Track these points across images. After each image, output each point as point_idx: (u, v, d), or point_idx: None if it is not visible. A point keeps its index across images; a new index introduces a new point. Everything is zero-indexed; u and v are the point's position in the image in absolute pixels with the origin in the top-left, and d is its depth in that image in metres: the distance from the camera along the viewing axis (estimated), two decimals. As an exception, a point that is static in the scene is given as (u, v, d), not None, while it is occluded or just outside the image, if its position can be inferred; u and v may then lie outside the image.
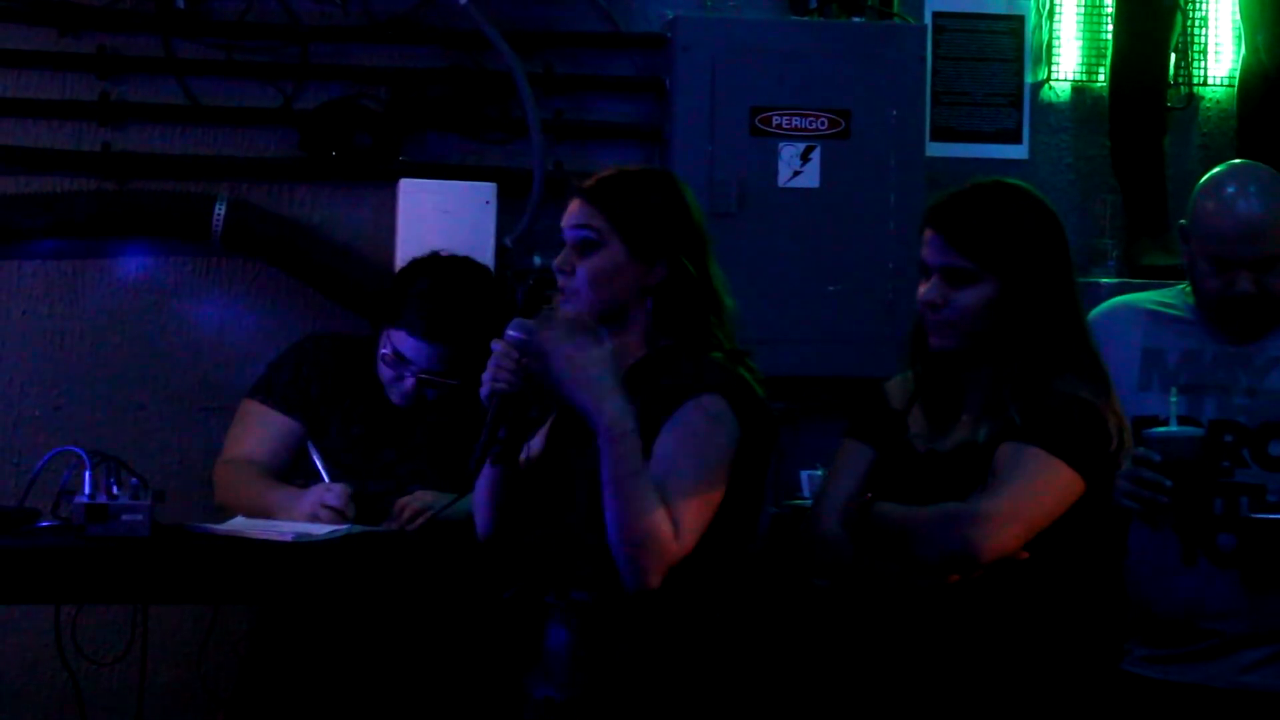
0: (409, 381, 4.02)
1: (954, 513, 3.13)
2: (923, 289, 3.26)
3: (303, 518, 3.87)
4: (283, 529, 3.75)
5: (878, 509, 3.21)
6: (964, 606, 3.17)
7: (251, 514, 3.93)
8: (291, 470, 4.10)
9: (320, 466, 4.00)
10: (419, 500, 3.90)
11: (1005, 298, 3.20)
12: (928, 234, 3.26)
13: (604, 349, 3.14)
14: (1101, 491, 3.24)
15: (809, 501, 4.30)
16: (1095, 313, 3.90)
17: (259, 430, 4.13)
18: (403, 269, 4.21)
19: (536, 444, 3.35)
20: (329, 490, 3.91)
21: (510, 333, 3.24)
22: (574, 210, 3.31)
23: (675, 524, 3.09)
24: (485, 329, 3.94)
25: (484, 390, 3.22)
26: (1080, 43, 5.36)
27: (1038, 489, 3.13)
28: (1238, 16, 5.32)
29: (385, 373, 4.07)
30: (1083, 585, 3.23)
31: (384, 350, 4.04)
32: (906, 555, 3.18)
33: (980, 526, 3.09)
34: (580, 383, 3.11)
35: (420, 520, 3.87)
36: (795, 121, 4.87)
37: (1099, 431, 3.19)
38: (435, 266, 4.16)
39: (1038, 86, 5.35)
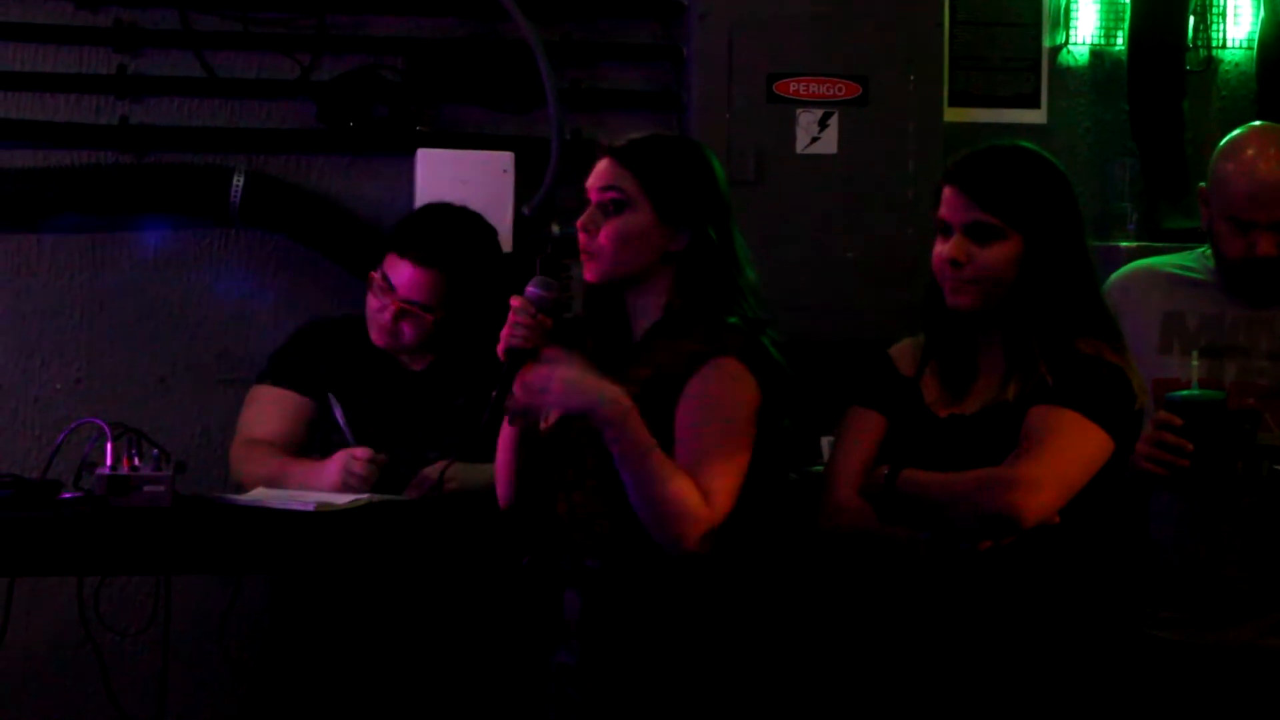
0: (389, 310, 4.04)
1: (995, 478, 3.12)
2: (941, 247, 3.26)
3: (331, 485, 3.87)
4: (304, 499, 3.75)
5: (906, 476, 3.20)
6: (992, 571, 3.17)
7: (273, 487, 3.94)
8: (307, 448, 4.11)
9: (344, 427, 3.99)
10: (437, 470, 3.90)
11: (1028, 256, 3.21)
12: (948, 191, 3.26)
13: (570, 359, 3.15)
14: (1127, 452, 3.26)
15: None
16: (1115, 277, 3.90)
17: (273, 410, 4.14)
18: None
19: (555, 413, 3.35)
20: (353, 457, 3.91)
21: (530, 289, 3.24)
22: (603, 170, 3.31)
23: (704, 490, 3.10)
24: (474, 268, 4.07)
25: (500, 347, 3.23)
26: (1098, 6, 5.33)
27: (1076, 453, 3.14)
28: (1257, -22, 5.31)
29: (371, 304, 4.09)
30: (1107, 548, 3.23)
31: (374, 273, 4.07)
32: (940, 522, 3.17)
33: (1023, 491, 3.09)
34: (570, 392, 3.12)
35: (446, 488, 3.86)
36: (813, 88, 4.85)
37: (1126, 393, 3.20)
38: (444, 204, 4.29)
39: (1056, 51, 5.33)
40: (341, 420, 4.00)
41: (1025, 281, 3.21)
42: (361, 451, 3.92)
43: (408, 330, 4.06)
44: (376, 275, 4.08)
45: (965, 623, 3.19)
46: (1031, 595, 3.18)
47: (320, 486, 3.89)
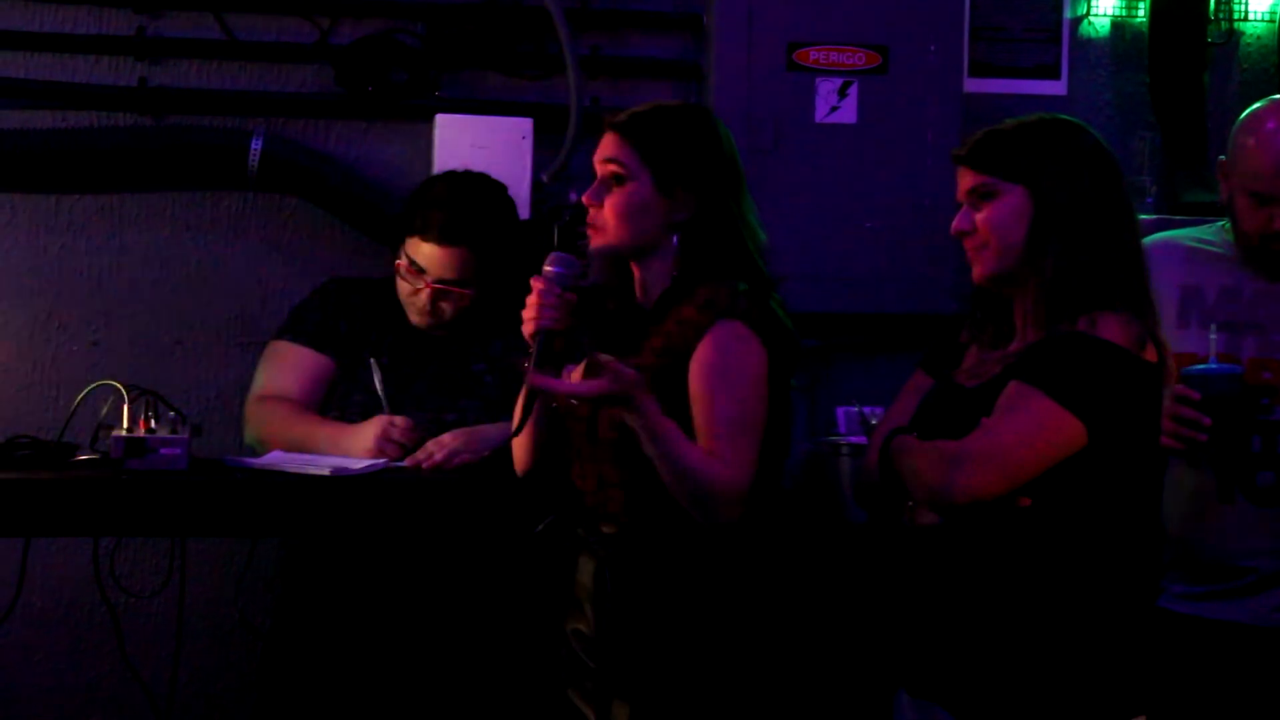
0: (424, 293, 4.03)
1: (940, 451, 3.06)
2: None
3: (364, 449, 3.87)
4: (319, 463, 3.76)
5: (895, 443, 3.19)
6: (968, 549, 3.10)
7: (293, 449, 3.94)
8: (323, 408, 4.10)
9: (381, 393, 3.98)
10: (444, 449, 3.88)
11: (1038, 211, 3.10)
12: (958, 173, 3.22)
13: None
14: (1118, 439, 3.06)
15: (843, 438, 4.30)
16: (1134, 249, 3.89)
17: (293, 368, 4.13)
18: (421, 184, 4.23)
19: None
20: (394, 424, 3.90)
21: (548, 268, 3.24)
22: (605, 144, 3.34)
23: (723, 457, 3.10)
24: (499, 236, 4.06)
25: (527, 328, 3.22)
26: (1120, -23, 5.33)
27: (1027, 433, 3.00)
28: (1279, -49, 5.29)
29: (403, 289, 4.08)
30: (1106, 529, 3.09)
31: (400, 261, 4.06)
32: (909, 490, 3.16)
33: (955, 467, 3.00)
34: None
35: (455, 460, 3.85)
36: (833, 57, 4.85)
37: (1110, 374, 3.05)
38: (450, 176, 4.22)
39: (1077, 22, 5.31)
40: (380, 386, 3.99)
41: (1037, 239, 3.10)
42: (403, 420, 3.91)
43: (448, 308, 4.06)
44: (402, 263, 4.06)
45: (949, 597, 3.13)
46: (1011, 575, 3.07)
47: (352, 449, 3.89)
